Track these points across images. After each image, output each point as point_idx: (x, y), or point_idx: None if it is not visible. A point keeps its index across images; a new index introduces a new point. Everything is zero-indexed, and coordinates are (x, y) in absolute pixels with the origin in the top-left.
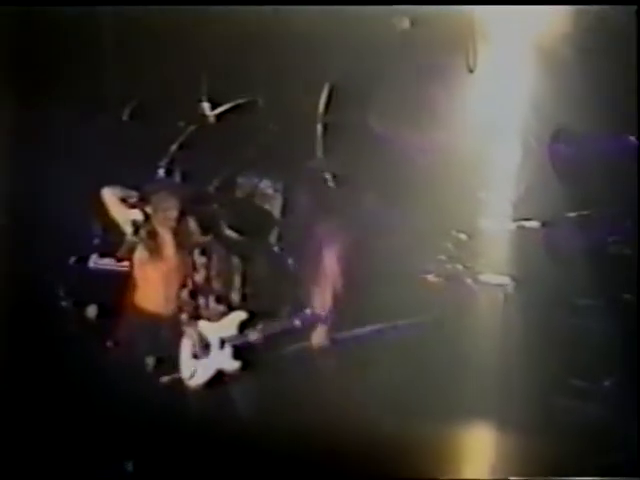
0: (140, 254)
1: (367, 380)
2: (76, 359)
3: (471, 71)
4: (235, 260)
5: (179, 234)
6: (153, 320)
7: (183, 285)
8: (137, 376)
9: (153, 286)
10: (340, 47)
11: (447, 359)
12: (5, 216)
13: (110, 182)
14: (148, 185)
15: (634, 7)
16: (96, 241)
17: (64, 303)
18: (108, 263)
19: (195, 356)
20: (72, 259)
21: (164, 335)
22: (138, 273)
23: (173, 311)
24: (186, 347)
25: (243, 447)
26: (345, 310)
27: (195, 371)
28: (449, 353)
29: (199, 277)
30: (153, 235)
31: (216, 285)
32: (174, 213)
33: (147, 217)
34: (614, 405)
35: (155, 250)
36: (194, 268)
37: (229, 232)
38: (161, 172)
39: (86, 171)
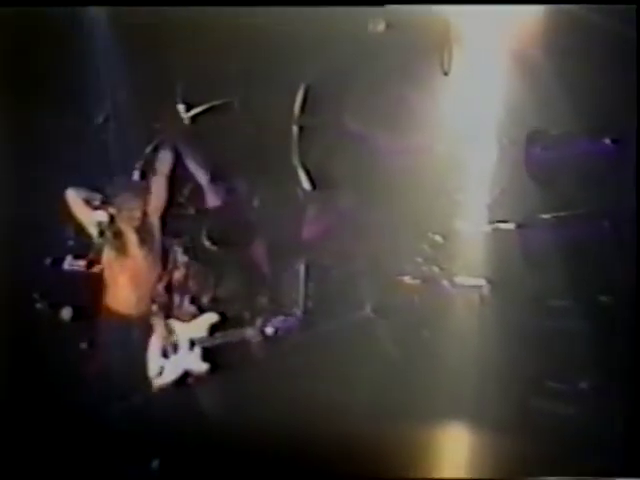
0: (108, 255)
1: (342, 380)
2: (52, 360)
3: (446, 74)
4: (208, 267)
5: (143, 233)
6: (126, 320)
7: (159, 279)
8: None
9: (123, 286)
10: (316, 49)
11: (423, 360)
12: None
13: (84, 184)
14: (110, 187)
15: (634, 7)
16: (70, 243)
17: (39, 305)
18: (82, 265)
19: (164, 354)
20: (47, 261)
21: (137, 335)
22: (108, 274)
23: (145, 310)
24: (155, 344)
25: (211, 445)
26: (319, 311)
27: (162, 369)
28: (425, 354)
29: (178, 274)
30: (119, 235)
31: (192, 285)
32: (138, 213)
33: (112, 218)
34: (590, 407)
35: (122, 250)
36: (174, 266)
37: (206, 243)
38: (136, 174)
39: (60, 173)
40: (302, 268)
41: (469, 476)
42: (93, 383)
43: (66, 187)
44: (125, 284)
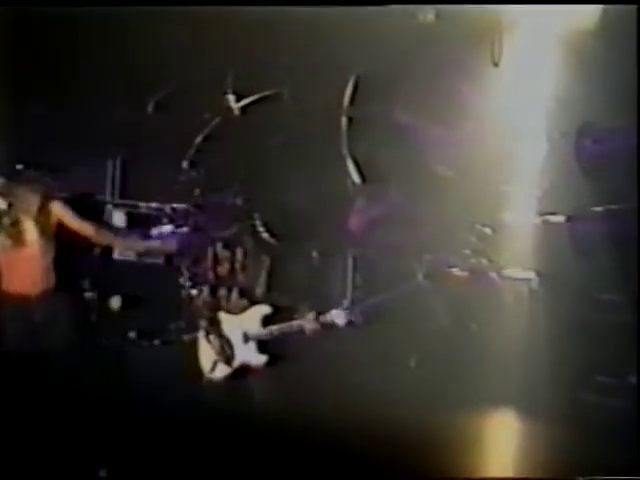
0: (2, 242)
1: (392, 370)
2: None
3: (496, 65)
4: (263, 255)
5: (40, 222)
6: (22, 302)
7: (204, 281)
8: None
9: (18, 271)
10: (365, 39)
11: (472, 352)
12: None
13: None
14: (10, 177)
15: (634, 7)
16: None
17: None
18: None
19: (216, 349)
20: None
21: (35, 316)
22: (2, 259)
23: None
24: (204, 340)
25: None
26: (370, 304)
27: (216, 364)
28: (473, 347)
29: (222, 270)
30: (16, 224)
31: (240, 278)
32: (36, 203)
33: (10, 206)
34: (638, 400)
35: (17, 237)
36: (216, 261)
37: (265, 235)
38: (185, 164)
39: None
40: (350, 260)
41: (517, 469)
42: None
43: None
44: (21, 268)
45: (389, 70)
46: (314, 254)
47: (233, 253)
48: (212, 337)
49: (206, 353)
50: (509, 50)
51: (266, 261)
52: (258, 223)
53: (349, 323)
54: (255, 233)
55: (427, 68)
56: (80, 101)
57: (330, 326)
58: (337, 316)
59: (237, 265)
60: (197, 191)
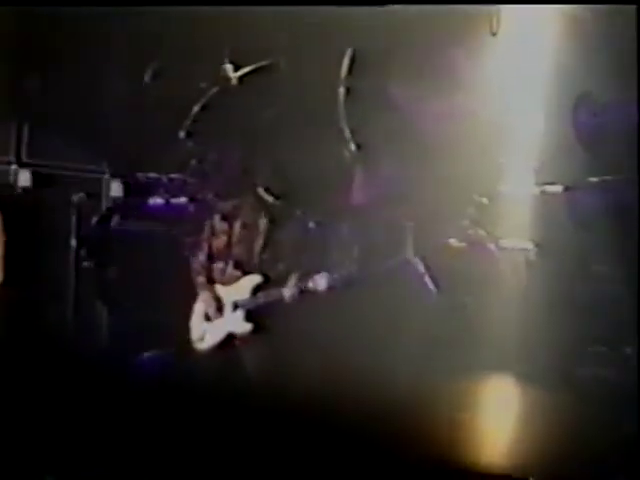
0: None
1: (385, 340)
2: None
3: (494, 34)
4: (262, 223)
5: None
6: None
7: (200, 250)
8: None
9: None
10: (363, 11)
11: (468, 322)
12: None
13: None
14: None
15: (634, 7)
16: None
17: None
18: None
19: (208, 318)
20: None
21: None
22: None
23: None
24: (198, 311)
25: (251, 408)
26: (367, 275)
27: (205, 333)
28: (470, 317)
29: (219, 243)
30: None
31: (236, 251)
32: None
33: None
34: (634, 371)
35: None
36: (213, 234)
37: (264, 194)
38: (182, 134)
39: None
40: (347, 230)
41: (510, 439)
42: None
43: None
44: None
45: (386, 41)
46: (310, 224)
47: (231, 226)
48: (206, 296)
49: (196, 323)
50: (507, 19)
51: (263, 229)
52: (259, 189)
53: (330, 288)
54: (254, 199)
55: (424, 39)
56: (77, 71)
57: (311, 292)
58: (318, 281)
59: (234, 238)
60: (194, 161)
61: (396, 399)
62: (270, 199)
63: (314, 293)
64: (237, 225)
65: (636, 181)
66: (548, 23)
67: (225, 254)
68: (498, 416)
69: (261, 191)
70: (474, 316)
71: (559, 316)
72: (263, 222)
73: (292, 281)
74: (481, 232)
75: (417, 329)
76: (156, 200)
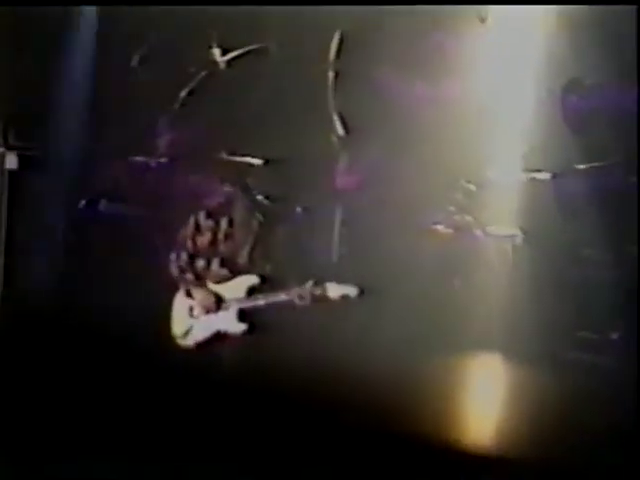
0: None
1: (374, 329)
2: None
3: (482, 20)
4: (252, 221)
5: None
6: None
7: (183, 246)
8: None
9: None
10: None
11: (455, 309)
12: None
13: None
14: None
15: (634, 7)
16: None
17: None
18: None
19: (192, 314)
20: None
21: None
22: None
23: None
24: (180, 304)
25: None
26: (354, 262)
27: (190, 329)
28: (457, 302)
29: (203, 240)
30: None
31: (222, 248)
32: None
33: None
34: (619, 357)
35: None
36: (198, 230)
37: (259, 197)
38: (169, 118)
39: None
40: (337, 216)
41: (496, 424)
42: None
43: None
44: None
45: (374, 25)
46: (297, 209)
47: (217, 222)
48: (195, 291)
49: (179, 317)
50: (496, 5)
51: (254, 226)
52: (248, 180)
53: (343, 297)
54: (243, 195)
55: (412, 23)
56: (63, 57)
57: (322, 299)
58: (331, 289)
59: (220, 235)
60: (181, 144)
61: (383, 381)
62: (259, 194)
63: (325, 299)
64: (224, 222)
65: (623, 166)
66: (537, 10)
67: (209, 251)
68: (485, 399)
69: (250, 183)
70: (461, 300)
71: (545, 301)
72: (253, 220)
73: (307, 286)
74: (468, 218)
75: (404, 312)
76: (143, 184)
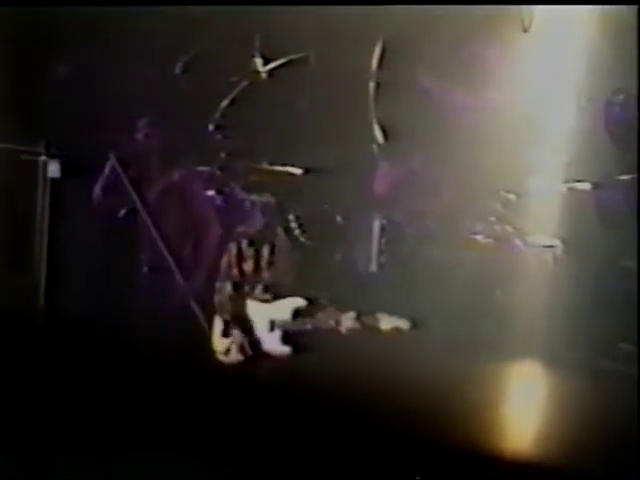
0: None
1: (414, 340)
2: None
3: (526, 31)
4: (291, 249)
5: None
6: None
7: (226, 277)
8: None
9: None
10: (393, 3)
11: (495, 319)
12: None
13: (159, 137)
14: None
15: (634, 7)
16: None
17: None
18: None
19: (226, 334)
20: None
21: None
22: None
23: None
24: (219, 324)
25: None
26: (393, 271)
27: (231, 346)
28: (497, 313)
29: (246, 267)
30: None
31: (265, 275)
32: None
33: None
34: None
35: None
36: (241, 258)
37: (297, 233)
38: (211, 127)
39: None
40: (376, 225)
41: (533, 437)
42: None
43: None
44: None
45: (417, 34)
46: (338, 218)
47: (257, 250)
48: (235, 332)
49: (220, 337)
50: (540, 14)
51: (296, 256)
52: (291, 219)
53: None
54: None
55: (455, 32)
56: (107, 63)
57: (371, 328)
58: (383, 321)
59: (263, 262)
60: (222, 155)
61: (423, 390)
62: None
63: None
64: (265, 249)
65: None
66: (580, 18)
67: (254, 277)
68: (525, 409)
69: (290, 193)
70: (501, 311)
71: (585, 312)
72: (292, 248)
73: (352, 314)
74: (508, 228)
75: (445, 323)
76: (183, 194)
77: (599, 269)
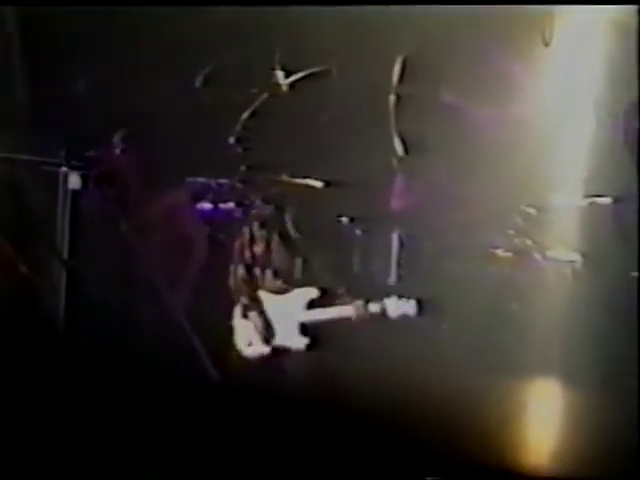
0: None
1: (432, 351)
2: None
3: (547, 45)
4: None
5: None
6: None
7: (240, 260)
8: None
9: None
10: (414, 17)
11: (513, 332)
12: None
13: (180, 149)
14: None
15: (634, 7)
16: None
17: None
18: None
19: (266, 340)
20: None
21: None
22: None
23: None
24: (242, 323)
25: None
26: (412, 284)
27: (252, 341)
28: (515, 326)
29: (257, 249)
30: None
31: (275, 259)
32: None
33: None
34: None
35: None
36: (252, 241)
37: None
38: (232, 140)
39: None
40: (395, 237)
41: (552, 452)
42: None
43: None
44: None
45: (438, 48)
46: (357, 232)
47: (269, 233)
48: (252, 314)
49: (242, 331)
50: (560, 29)
51: (301, 242)
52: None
53: (402, 315)
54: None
55: (476, 47)
56: (127, 76)
57: (380, 316)
58: (390, 306)
59: (273, 245)
60: (243, 167)
61: (439, 403)
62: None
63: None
64: (276, 233)
65: None
66: (600, 31)
67: (263, 262)
68: (541, 423)
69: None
70: (519, 324)
71: (604, 327)
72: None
73: (360, 302)
74: (528, 242)
75: (462, 334)
76: (204, 205)
77: (619, 284)
